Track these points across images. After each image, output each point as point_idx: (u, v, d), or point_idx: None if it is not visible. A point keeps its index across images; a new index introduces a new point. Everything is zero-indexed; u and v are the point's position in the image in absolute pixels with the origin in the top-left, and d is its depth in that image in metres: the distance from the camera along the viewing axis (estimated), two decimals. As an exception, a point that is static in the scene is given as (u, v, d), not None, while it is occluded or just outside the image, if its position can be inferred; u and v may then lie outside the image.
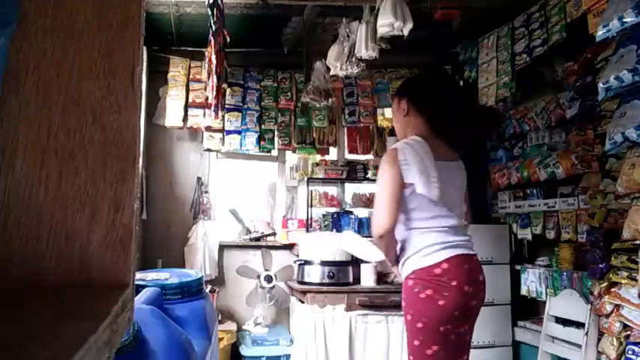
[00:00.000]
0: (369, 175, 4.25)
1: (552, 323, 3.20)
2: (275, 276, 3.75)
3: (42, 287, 0.48)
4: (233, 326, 3.82)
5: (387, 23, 2.60)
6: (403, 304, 2.05)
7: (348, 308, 3.21)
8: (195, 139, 4.25)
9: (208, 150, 4.20)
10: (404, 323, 2.09)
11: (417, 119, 2.12)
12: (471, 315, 2.03)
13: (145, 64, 3.75)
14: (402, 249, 2.08)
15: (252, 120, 4.16)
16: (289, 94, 4.22)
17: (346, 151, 4.48)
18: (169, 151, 4.23)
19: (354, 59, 3.05)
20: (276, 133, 4.20)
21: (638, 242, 2.28)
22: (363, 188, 4.46)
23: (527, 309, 3.86)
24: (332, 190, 4.48)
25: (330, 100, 3.70)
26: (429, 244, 1.99)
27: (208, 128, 4.09)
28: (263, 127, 4.18)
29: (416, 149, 2.00)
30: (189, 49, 4.09)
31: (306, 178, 4.15)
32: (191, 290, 1.92)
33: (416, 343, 1.98)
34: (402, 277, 2.09)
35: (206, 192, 4.20)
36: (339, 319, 3.16)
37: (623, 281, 2.41)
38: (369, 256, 3.25)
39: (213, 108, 3.43)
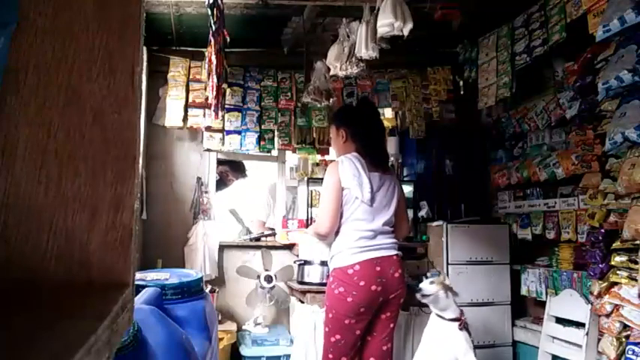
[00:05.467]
0: (369, 175, 4.25)
1: (552, 323, 3.20)
2: (275, 276, 3.75)
3: (42, 287, 0.48)
4: (233, 326, 3.82)
5: (387, 23, 2.59)
6: (324, 296, 2.52)
7: (348, 308, 3.20)
8: (195, 139, 4.25)
9: (208, 150, 4.20)
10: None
11: (352, 143, 2.55)
12: (389, 305, 2.43)
13: (145, 64, 3.75)
14: (332, 244, 2.49)
15: (252, 120, 4.15)
16: (289, 94, 4.21)
17: (346, 151, 4.47)
18: (169, 151, 4.22)
19: (354, 59, 3.05)
20: (276, 133, 4.20)
21: (638, 242, 2.29)
22: (363, 188, 4.46)
23: (526, 309, 3.87)
24: (332, 190, 4.47)
25: (330, 100, 3.70)
26: (348, 246, 2.39)
27: (208, 128, 4.08)
28: (263, 127, 4.18)
29: (352, 161, 2.44)
30: (189, 49, 4.09)
31: (306, 178, 4.15)
32: (191, 290, 1.92)
33: (326, 329, 2.44)
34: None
35: (206, 192, 4.20)
36: (339, 319, 3.16)
37: (623, 281, 2.41)
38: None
39: (213, 108, 3.42)
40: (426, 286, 2.83)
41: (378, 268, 2.37)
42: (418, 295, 2.80)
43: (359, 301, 2.34)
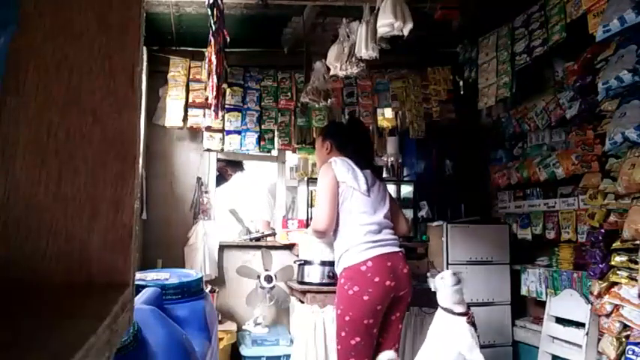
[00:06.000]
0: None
1: (552, 323, 3.20)
2: (275, 276, 3.75)
3: (42, 287, 0.48)
4: (233, 326, 3.82)
5: (387, 23, 2.59)
6: (335, 299, 2.46)
7: (348, 308, 3.20)
8: (195, 139, 4.25)
9: (208, 150, 4.20)
10: (334, 317, 2.48)
11: (338, 153, 2.60)
12: (398, 304, 2.43)
13: (145, 64, 3.75)
14: (336, 245, 2.49)
15: (252, 120, 4.15)
16: (289, 94, 4.21)
17: (346, 151, 4.47)
18: (169, 151, 4.22)
19: (354, 59, 3.04)
20: (276, 133, 4.20)
21: (638, 242, 2.29)
22: (363, 188, 4.46)
23: (526, 309, 3.87)
24: (332, 190, 4.48)
25: (329, 100, 3.69)
26: (357, 242, 2.37)
27: (208, 128, 4.08)
28: (263, 127, 4.18)
29: (344, 159, 2.52)
30: (189, 49, 4.09)
31: (306, 178, 4.15)
32: (191, 290, 1.91)
33: (342, 334, 2.36)
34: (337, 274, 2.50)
35: (206, 192, 4.20)
36: (339, 319, 3.16)
37: (623, 281, 2.41)
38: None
39: (213, 108, 3.43)
40: (438, 281, 2.87)
41: (389, 263, 2.37)
42: (432, 285, 2.85)
43: (375, 298, 2.31)
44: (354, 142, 2.63)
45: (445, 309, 2.86)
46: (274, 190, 4.54)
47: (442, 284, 2.80)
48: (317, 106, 3.83)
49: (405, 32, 2.61)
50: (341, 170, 2.46)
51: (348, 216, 2.44)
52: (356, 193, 2.44)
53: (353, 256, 2.38)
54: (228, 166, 4.70)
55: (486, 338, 3.63)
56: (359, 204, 2.44)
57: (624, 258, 2.41)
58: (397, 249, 2.46)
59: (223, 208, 4.41)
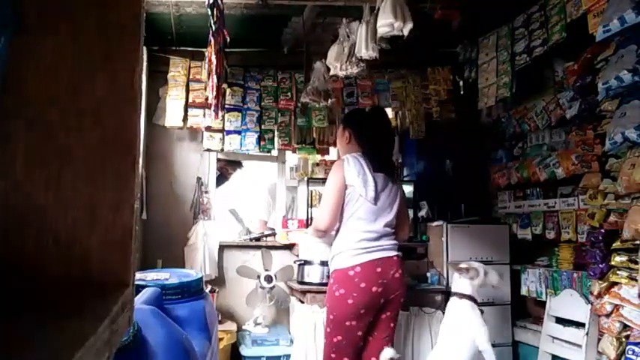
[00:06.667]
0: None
1: (552, 323, 3.20)
2: (275, 276, 3.75)
3: (42, 287, 0.48)
4: (233, 326, 3.82)
5: (387, 23, 2.59)
6: (325, 297, 2.53)
7: (348, 308, 3.20)
8: (195, 139, 4.24)
9: (208, 150, 4.20)
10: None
11: (356, 145, 2.58)
12: (389, 305, 2.44)
13: (145, 64, 3.74)
14: (333, 244, 2.50)
15: (252, 120, 4.15)
16: (289, 94, 4.21)
17: (346, 151, 4.47)
18: (169, 151, 4.22)
19: (354, 59, 3.04)
20: (276, 133, 4.20)
21: (638, 242, 2.29)
22: (363, 188, 4.46)
23: (526, 309, 3.86)
24: (332, 190, 4.47)
25: (329, 100, 3.69)
26: (350, 247, 2.39)
27: (208, 128, 4.08)
28: (263, 127, 4.18)
29: (358, 159, 2.47)
30: (189, 49, 4.09)
31: (306, 178, 4.15)
32: (191, 290, 1.91)
33: (327, 330, 2.46)
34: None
35: (206, 192, 4.20)
36: (339, 319, 3.16)
37: (623, 281, 2.41)
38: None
39: (213, 108, 3.42)
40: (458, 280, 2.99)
41: (379, 270, 2.37)
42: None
43: (359, 302, 2.34)
44: (373, 134, 2.58)
45: (454, 293, 2.91)
46: (274, 190, 4.54)
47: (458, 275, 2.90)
48: (317, 106, 3.83)
49: (405, 32, 2.61)
50: (352, 172, 2.43)
51: (349, 219, 2.44)
52: (362, 198, 2.42)
53: (344, 259, 2.39)
54: (228, 165, 4.71)
55: (486, 338, 3.62)
56: (362, 210, 2.43)
57: (624, 258, 2.41)
58: (392, 253, 2.45)
59: (223, 208, 4.41)
